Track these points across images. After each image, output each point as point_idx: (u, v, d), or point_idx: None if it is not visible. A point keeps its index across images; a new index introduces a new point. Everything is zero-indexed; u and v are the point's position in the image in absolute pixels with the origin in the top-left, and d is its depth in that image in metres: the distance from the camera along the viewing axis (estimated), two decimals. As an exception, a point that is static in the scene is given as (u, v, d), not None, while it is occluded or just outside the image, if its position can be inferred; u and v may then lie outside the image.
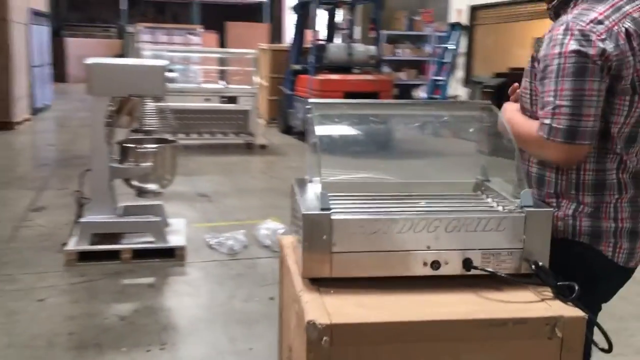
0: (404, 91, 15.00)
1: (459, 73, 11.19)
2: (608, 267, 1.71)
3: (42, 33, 12.29)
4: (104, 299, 3.58)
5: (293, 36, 9.92)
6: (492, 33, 10.79)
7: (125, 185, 4.31)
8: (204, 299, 3.66)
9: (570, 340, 1.40)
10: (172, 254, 4.19)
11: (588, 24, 1.54)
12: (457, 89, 11.15)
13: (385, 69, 12.26)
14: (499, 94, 8.77)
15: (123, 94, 4.08)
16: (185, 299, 3.66)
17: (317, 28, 9.19)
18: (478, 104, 1.86)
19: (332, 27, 9.92)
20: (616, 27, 1.55)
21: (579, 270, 1.62)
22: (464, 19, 10.85)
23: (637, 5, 1.61)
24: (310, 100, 1.75)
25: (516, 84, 1.80)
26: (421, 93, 12.63)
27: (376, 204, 1.67)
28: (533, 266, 1.53)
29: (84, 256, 4.07)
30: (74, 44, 19.80)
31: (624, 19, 1.56)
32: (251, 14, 22.16)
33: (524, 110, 1.73)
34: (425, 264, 1.54)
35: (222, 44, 19.57)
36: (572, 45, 1.53)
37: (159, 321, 3.32)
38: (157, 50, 10.74)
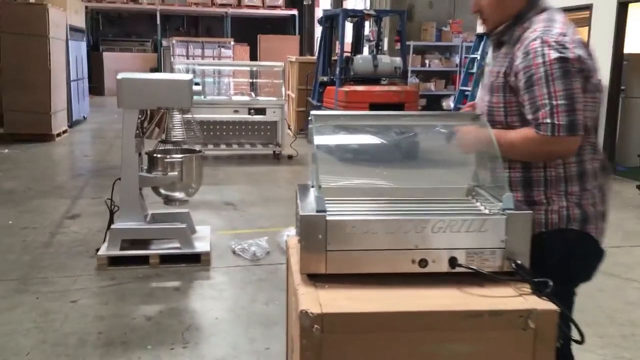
0: (433, 101, 15.07)
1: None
2: (594, 247, 1.95)
3: (80, 48, 12.76)
4: (132, 300, 3.79)
5: (320, 48, 10.11)
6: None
7: (153, 194, 4.54)
8: (226, 302, 3.83)
9: (543, 332, 1.52)
10: (197, 259, 4.38)
11: (558, 36, 1.78)
12: (484, 98, 11.17)
13: (412, 79, 12.38)
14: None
15: (152, 106, 4.31)
16: (209, 301, 3.84)
17: (343, 40, 9.36)
18: (469, 115, 1.99)
19: (358, 39, 10.08)
20: (577, 37, 1.82)
21: (576, 253, 1.92)
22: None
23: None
24: (312, 112, 1.91)
25: (474, 103, 2.01)
26: (450, 103, 12.70)
27: (370, 207, 1.82)
28: (513, 264, 1.66)
29: (115, 261, 4.30)
30: (110, 58, 20.38)
31: (575, 32, 1.84)
32: (282, 27, 22.52)
33: (494, 124, 1.89)
34: (413, 261, 1.68)
35: (254, 56, 19.92)
36: (554, 54, 1.76)
37: (183, 322, 3.51)
38: (189, 63, 11.05)
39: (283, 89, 9.08)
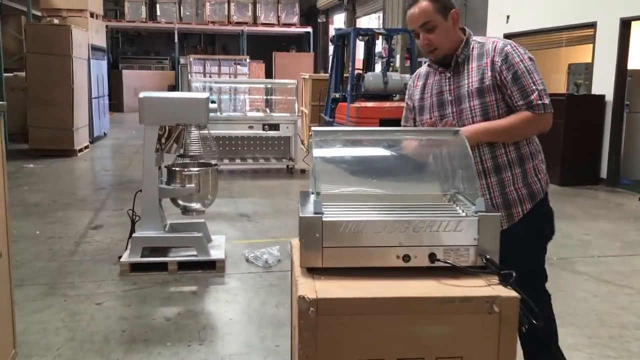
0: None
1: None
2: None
3: (101, 67, 13.22)
4: (152, 303, 4.07)
5: (332, 65, 10.42)
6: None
7: (172, 205, 4.84)
8: (239, 305, 4.10)
9: (506, 316, 1.77)
10: (213, 266, 4.66)
11: (510, 41, 2.45)
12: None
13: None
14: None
15: (171, 123, 4.63)
16: (223, 304, 4.11)
17: (355, 58, 9.66)
18: (451, 130, 2.26)
19: (370, 56, 10.39)
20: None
21: (551, 212, 2.57)
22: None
23: None
24: (312, 128, 2.18)
25: (449, 120, 2.44)
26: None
27: (362, 211, 2.08)
28: (484, 259, 1.92)
29: (136, 267, 4.59)
30: (129, 76, 20.90)
31: None
32: (297, 44, 22.96)
33: (488, 119, 2.39)
34: (398, 257, 1.93)
35: (270, 73, 20.36)
36: (525, 54, 2.38)
37: (199, 322, 3.78)
38: (206, 81, 11.41)
39: (296, 105, 9.39)
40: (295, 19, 21.61)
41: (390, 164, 2.28)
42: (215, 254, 4.75)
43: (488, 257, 1.91)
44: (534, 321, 1.83)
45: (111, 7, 23.28)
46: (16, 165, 9.40)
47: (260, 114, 9.27)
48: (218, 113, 8.65)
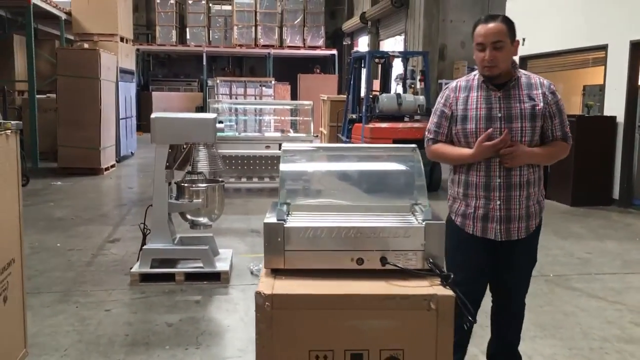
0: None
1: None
2: None
3: (129, 89, 13.73)
4: (157, 310, 4.32)
5: (349, 87, 10.69)
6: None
7: (181, 219, 5.11)
8: (239, 313, 4.32)
9: (443, 312, 1.96)
10: (218, 278, 4.90)
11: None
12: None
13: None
14: (542, 139, 9.12)
15: (180, 141, 4.92)
16: (224, 312, 4.34)
17: (370, 80, 9.91)
18: (410, 148, 2.47)
19: (386, 78, 10.63)
20: None
21: None
22: (516, 68, 11.29)
23: None
24: (283, 146, 2.42)
25: (490, 130, 2.75)
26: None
27: (324, 218, 2.30)
28: (429, 263, 2.11)
29: (145, 277, 4.86)
30: (159, 97, 21.44)
31: None
32: (323, 66, 23.35)
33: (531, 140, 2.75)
34: (352, 259, 2.14)
35: (295, 94, 20.76)
36: (559, 95, 2.80)
37: (199, 328, 4.01)
38: (226, 102, 11.77)
39: (312, 125, 9.66)
40: (321, 42, 21.99)
41: (355, 177, 2.49)
42: (221, 266, 4.99)
43: (431, 260, 2.11)
44: (468, 322, 2.02)
45: (143, 31, 24.09)
46: (45, 183, 9.85)
47: (277, 134, 9.56)
48: (237, 133, 8.97)
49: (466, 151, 2.77)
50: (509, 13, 11.70)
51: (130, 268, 5.00)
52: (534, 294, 4.62)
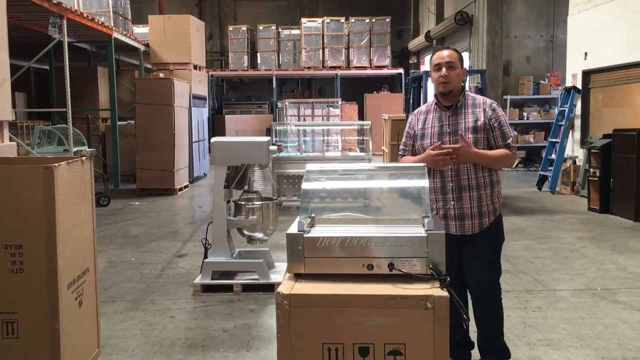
0: (534, 153, 15.30)
1: (577, 135, 11.45)
2: None
3: (201, 113, 14.51)
4: (215, 318, 4.73)
5: (408, 106, 10.92)
6: (605, 95, 11.03)
7: (239, 234, 5.54)
8: (289, 322, 4.66)
9: (439, 312, 2.23)
10: (272, 289, 5.27)
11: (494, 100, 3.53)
12: (575, 150, 11.39)
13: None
14: (603, 154, 9.04)
15: (237, 163, 5.36)
16: (275, 320, 4.68)
17: (426, 98, 10.12)
18: (420, 167, 2.75)
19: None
20: None
21: (502, 223, 3.54)
22: (578, 83, 11.20)
23: None
24: (307, 166, 2.76)
25: (439, 144, 3.27)
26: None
27: (339, 229, 2.61)
28: (430, 268, 2.38)
29: (207, 288, 5.30)
30: (231, 120, 22.32)
31: None
32: (390, 84, 23.64)
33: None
34: (363, 265, 2.44)
35: (362, 113, 21.13)
36: (502, 110, 3.43)
37: (251, 334, 4.38)
38: (292, 123, 12.26)
39: (370, 144, 9.96)
40: (387, 61, 22.30)
41: (378, 193, 2.80)
42: (275, 278, 5.36)
43: (432, 266, 2.38)
44: (463, 321, 2.27)
45: (217, 57, 25.23)
46: (124, 203, 10.63)
47: (337, 153, 9.92)
48: (299, 153, 9.38)
49: (420, 157, 3.36)
50: (570, 28, 11.65)
51: (194, 280, 5.45)
52: (575, 307, 4.74)
